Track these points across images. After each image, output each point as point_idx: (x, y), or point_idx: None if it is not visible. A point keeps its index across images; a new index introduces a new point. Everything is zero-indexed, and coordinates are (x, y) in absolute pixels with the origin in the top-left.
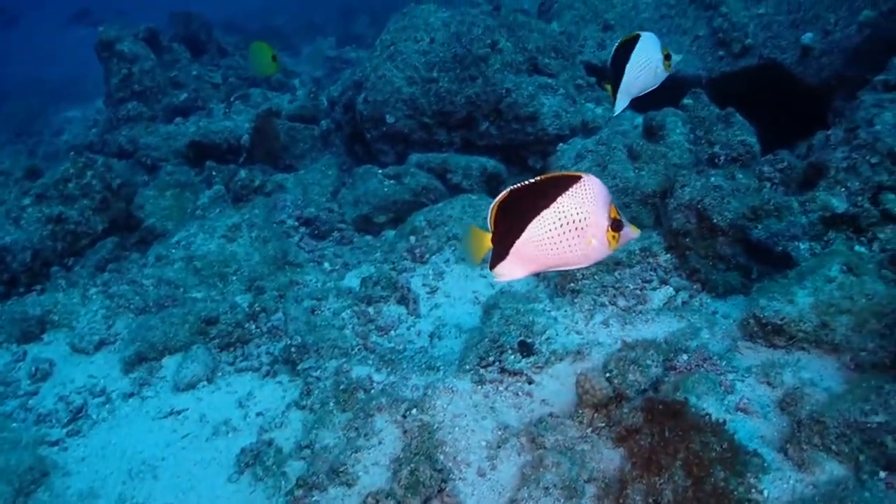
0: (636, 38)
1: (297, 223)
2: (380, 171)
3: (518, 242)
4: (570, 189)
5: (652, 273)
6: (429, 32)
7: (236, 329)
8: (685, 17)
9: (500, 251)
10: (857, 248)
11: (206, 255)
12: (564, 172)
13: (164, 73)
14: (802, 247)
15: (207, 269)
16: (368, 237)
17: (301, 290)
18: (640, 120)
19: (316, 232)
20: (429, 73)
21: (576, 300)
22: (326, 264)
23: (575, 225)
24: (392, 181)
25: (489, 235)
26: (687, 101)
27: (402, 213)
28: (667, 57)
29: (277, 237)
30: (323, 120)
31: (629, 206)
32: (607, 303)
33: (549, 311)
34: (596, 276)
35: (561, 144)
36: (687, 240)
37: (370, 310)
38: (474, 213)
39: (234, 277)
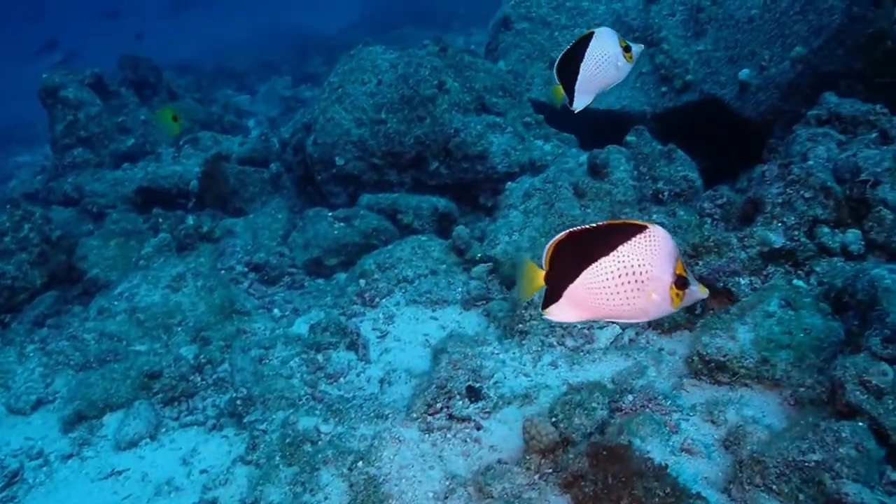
0: (591, 35)
1: (246, 269)
2: (330, 214)
3: (572, 286)
4: (634, 238)
5: None
6: (376, 74)
7: (181, 382)
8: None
9: (553, 292)
10: (795, 282)
11: (150, 307)
12: (629, 220)
13: (111, 119)
14: (743, 282)
15: (151, 320)
16: (320, 281)
17: (249, 338)
18: (584, 157)
19: (266, 277)
20: (377, 114)
21: (524, 341)
22: (276, 311)
23: (635, 277)
24: (342, 224)
25: (542, 273)
26: (630, 137)
27: (352, 256)
28: (626, 49)
29: (224, 285)
30: (273, 163)
31: None
32: (555, 343)
33: (497, 354)
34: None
35: (509, 183)
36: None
37: (319, 357)
38: (424, 255)
39: (179, 328)
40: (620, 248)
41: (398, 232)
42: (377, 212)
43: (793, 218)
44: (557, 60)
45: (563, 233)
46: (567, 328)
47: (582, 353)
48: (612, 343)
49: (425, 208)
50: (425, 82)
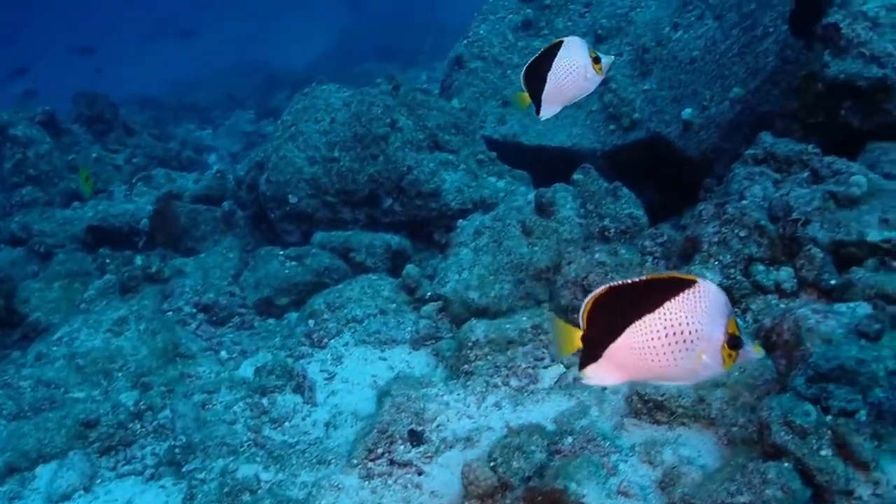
0: (559, 45)
1: (194, 310)
2: (281, 253)
3: (613, 346)
4: (681, 295)
5: (544, 350)
6: (329, 112)
7: (119, 430)
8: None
9: (592, 352)
10: None
11: (90, 352)
12: (676, 274)
13: (62, 157)
14: None
15: (91, 366)
16: (271, 320)
17: (192, 383)
18: (533, 195)
19: (215, 318)
20: (330, 152)
21: (469, 382)
22: (223, 353)
23: (683, 336)
24: (293, 262)
25: (579, 333)
26: (577, 176)
27: (304, 295)
28: (596, 60)
29: (168, 328)
30: (226, 201)
31: (524, 282)
32: (500, 384)
33: (441, 396)
34: (489, 357)
35: (460, 221)
36: (575, 316)
37: (264, 401)
38: (374, 294)
39: (120, 374)
40: (667, 304)
41: (351, 270)
42: (330, 250)
43: (728, 256)
44: (525, 67)
45: (603, 288)
46: (512, 368)
47: (526, 394)
48: (556, 382)
49: (378, 246)
50: (378, 120)
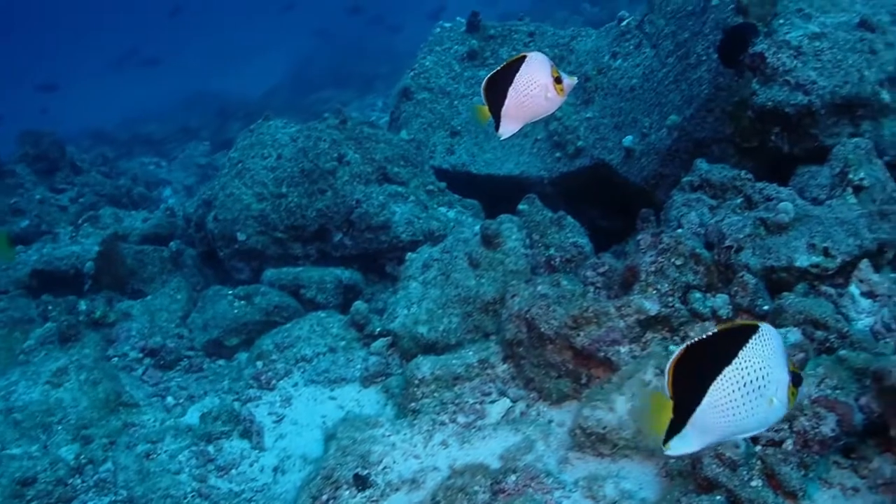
0: (522, 59)
1: (141, 354)
2: (230, 292)
3: (699, 411)
4: (750, 342)
5: (491, 385)
6: (276, 148)
7: (58, 487)
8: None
9: (676, 423)
10: (671, 347)
11: (28, 406)
12: (738, 322)
13: (4, 200)
14: (623, 350)
15: (29, 420)
16: (221, 361)
17: (136, 433)
18: (479, 227)
19: (162, 362)
20: (278, 188)
21: (415, 421)
22: (170, 398)
23: (758, 383)
24: (242, 302)
25: (670, 404)
26: (522, 206)
27: (254, 335)
28: (557, 80)
29: (111, 377)
30: (173, 241)
31: (471, 314)
32: (447, 421)
33: (388, 437)
34: (436, 394)
35: (409, 254)
36: (521, 349)
37: (210, 448)
38: (323, 332)
39: (60, 427)
40: (741, 354)
41: (302, 307)
42: (279, 287)
43: (666, 285)
44: (485, 79)
45: (681, 350)
46: (459, 404)
47: (473, 430)
48: (503, 417)
49: (329, 281)
50: (325, 155)
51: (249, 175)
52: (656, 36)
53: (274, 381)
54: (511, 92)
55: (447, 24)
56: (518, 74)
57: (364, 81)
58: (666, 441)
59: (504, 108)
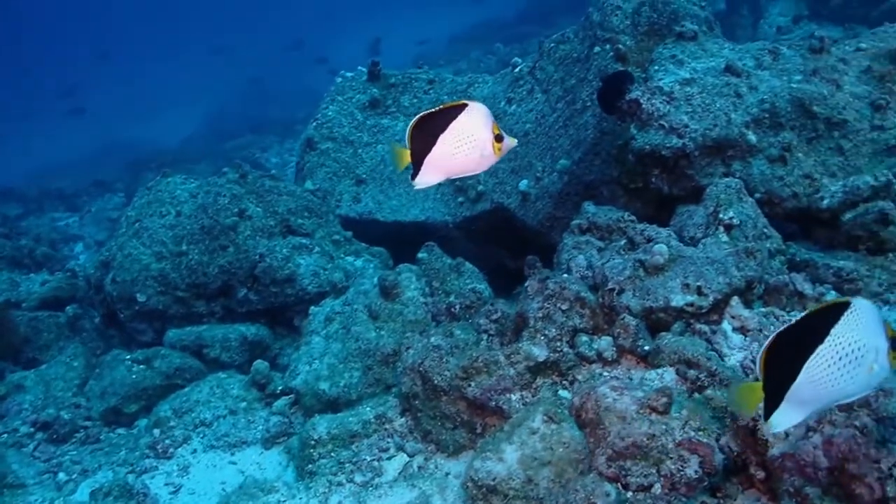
0: (462, 106)
1: (32, 429)
2: (128, 357)
3: (794, 387)
4: (843, 318)
5: (389, 440)
6: (175, 205)
7: None
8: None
9: (771, 403)
10: (560, 392)
11: None
12: (831, 301)
13: None
14: (514, 398)
15: None
16: (121, 430)
17: None
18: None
19: (55, 436)
20: (178, 246)
21: (312, 484)
22: (62, 475)
23: (853, 356)
24: (142, 366)
25: (759, 387)
26: (421, 254)
27: (155, 400)
28: (498, 138)
29: None
30: (69, 305)
31: (372, 368)
32: (344, 481)
33: (283, 502)
34: (333, 454)
35: (312, 308)
36: (417, 402)
37: None
38: (223, 394)
39: None
40: (834, 331)
41: (206, 367)
42: (181, 348)
43: (553, 330)
44: (415, 119)
45: (772, 337)
46: (356, 463)
47: (370, 489)
48: (400, 473)
49: (233, 339)
50: (225, 210)
51: (147, 234)
52: (546, 82)
53: (171, 449)
54: (442, 140)
55: (349, 74)
56: (455, 122)
57: (284, 126)
58: (767, 417)
59: (429, 157)
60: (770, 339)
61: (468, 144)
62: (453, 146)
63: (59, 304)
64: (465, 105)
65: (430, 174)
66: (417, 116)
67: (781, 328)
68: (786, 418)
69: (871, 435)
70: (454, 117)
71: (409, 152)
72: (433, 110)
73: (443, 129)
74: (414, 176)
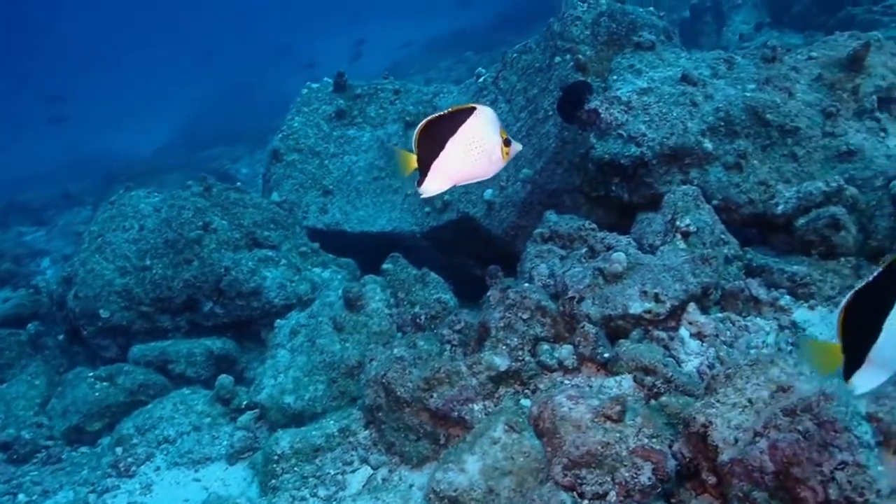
0: (470, 110)
1: None
2: (91, 374)
3: (876, 347)
4: None
5: (353, 453)
6: (138, 220)
7: None
8: (395, 178)
9: (851, 364)
10: (522, 401)
11: None
12: None
13: None
14: (476, 408)
15: None
16: (84, 448)
17: None
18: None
19: (15, 456)
20: (141, 261)
21: (274, 499)
22: (22, 496)
23: None
24: (105, 383)
25: (837, 348)
26: (386, 265)
27: (119, 417)
28: (506, 142)
29: None
30: (31, 322)
31: (336, 381)
32: (308, 496)
33: None
34: (296, 469)
35: (278, 321)
36: (380, 414)
37: None
38: (186, 410)
39: None
40: None
41: (171, 383)
42: (145, 364)
43: (515, 339)
44: (422, 123)
45: (849, 295)
46: (320, 476)
47: (334, 503)
48: (365, 486)
49: (199, 353)
50: (189, 224)
51: (111, 249)
52: (510, 92)
53: (134, 468)
54: (450, 145)
55: (314, 85)
56: (464, 126)
57: (260, 134)
58: (848, 377)
59: (437, 162)
60: (847, 297)
61: (477, 149)
62: (462, 151)
63: (21, 321)
64: (473, 108)
65: (438, 181)
66: (425, 120)
67: (859, 285)
68: (869, 379)
69: (814, 439)
70: (463, 121)
71: (415, 158)
72: (441, 114)
73: (451, 134)
74: (420, 183)
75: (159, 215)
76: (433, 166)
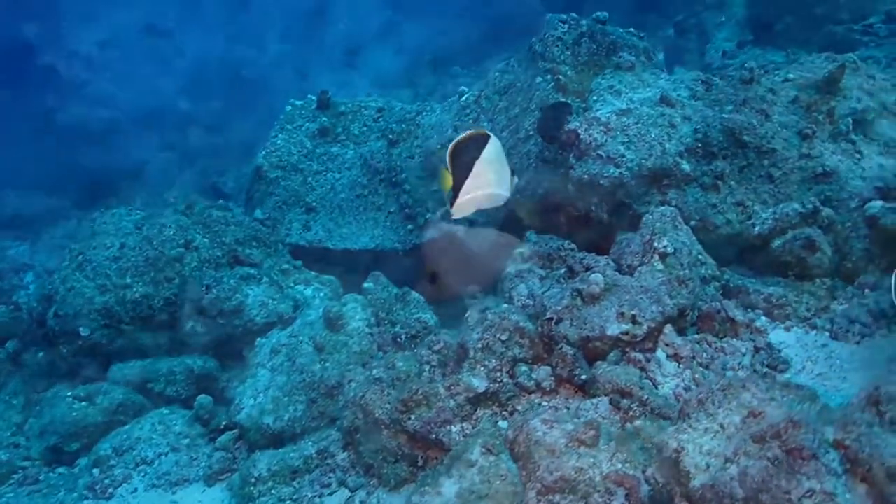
0: (485, 138)
1: None
2: (69, 393)
3: None
4: None
5: (331, 475)
6: (119, 238)
7: None
8: (377, 195)
9: None
10: (500, 423)
11: None
12: None
13: None
14: (454, 430)
15: None
16: (62, 469)
17: None
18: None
19: None
20: (122, 279)
21: None
22: None
23: None
24: (83, 403)
25: None
26: (367, 284)
27: (97, 437)
28: (512, 171)
29: None
30: (10, 340)
31: (316, 401)
32: None
33: None
34: (273, 491)
35: (258, 339)
36: (358, 436)
37: None
38: (165, 431)
39: None
40: None
41: (151, 403)
42: (125, 383)
43: (493, 360)
44: (451, 146)
45: None
46: (297, 500)
47: None
48: None
49: (179, 372)
50: (171, 242)
51: (91, 267)
52: (492, 111)
53: (111, 490)
54: (478, 166)
55: (298, 102)
56: (484, 153)
57: (244, 148)
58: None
59: (467, 185)
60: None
61: (495, 177)
62: (485, 176)
63: (0, 339)
64: (488, 136)
65: (466, 204)
66: (453, 143)
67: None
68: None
69: (782, 466)
70: (482, 147)
71: (450, 175)
72: (464, 137)
73: (476, 159)
74: (452, 203)
75: (141, 233)
76: (462, 189)
